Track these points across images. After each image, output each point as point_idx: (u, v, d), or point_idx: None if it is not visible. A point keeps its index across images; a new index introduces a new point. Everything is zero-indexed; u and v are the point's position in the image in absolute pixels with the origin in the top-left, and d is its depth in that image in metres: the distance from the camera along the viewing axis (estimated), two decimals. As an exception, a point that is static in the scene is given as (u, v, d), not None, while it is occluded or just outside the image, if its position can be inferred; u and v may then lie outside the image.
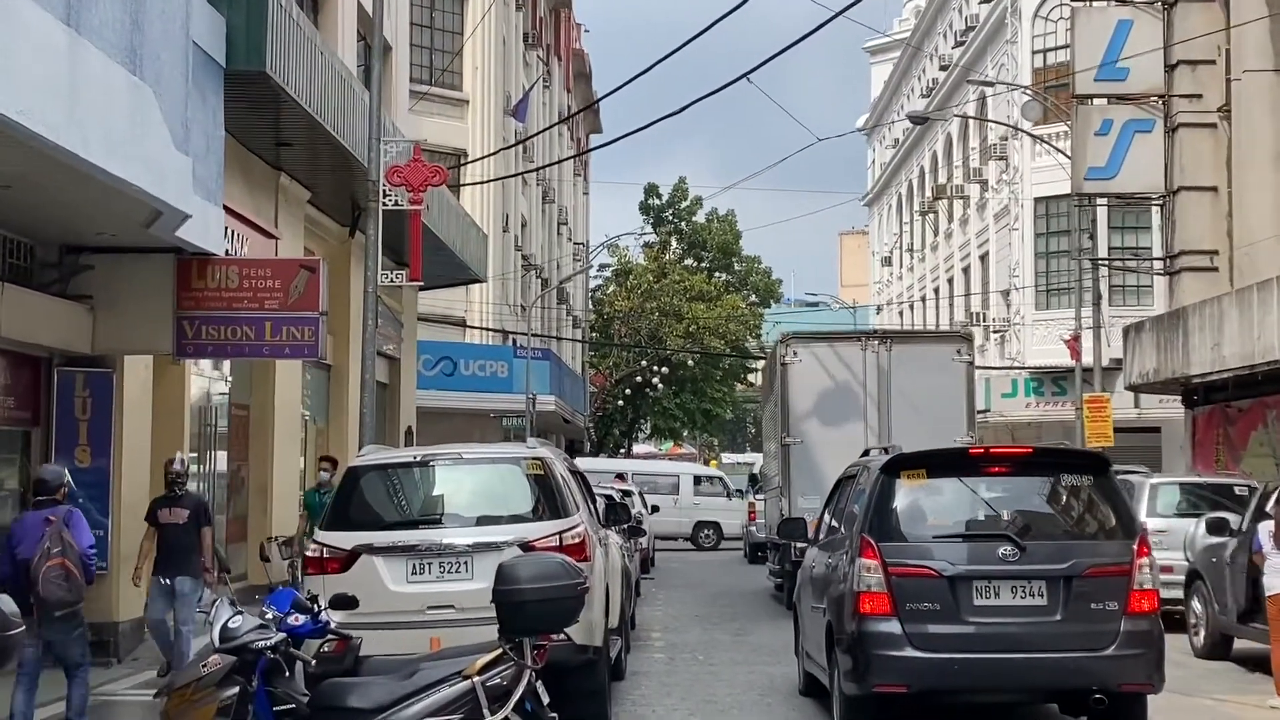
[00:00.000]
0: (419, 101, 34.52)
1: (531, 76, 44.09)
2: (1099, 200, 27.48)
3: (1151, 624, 8.86)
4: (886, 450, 10.14)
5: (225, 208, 14.96)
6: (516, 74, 41.71)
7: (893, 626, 8.65)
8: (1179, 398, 28.66)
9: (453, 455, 9.91)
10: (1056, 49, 35.64)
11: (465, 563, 9.07)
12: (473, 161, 28.04)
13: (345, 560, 9.14)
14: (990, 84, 33.68)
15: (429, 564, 9.09)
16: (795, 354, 18.07)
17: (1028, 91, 31.82)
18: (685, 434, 72.95)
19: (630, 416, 54.81)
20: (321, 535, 9.35)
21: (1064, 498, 9.43)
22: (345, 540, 9.23)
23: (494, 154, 27.66)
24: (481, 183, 29.63)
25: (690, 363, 50.35)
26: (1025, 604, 8.71)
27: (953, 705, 9.37)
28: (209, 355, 12.90)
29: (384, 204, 13.72)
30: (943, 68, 48.63)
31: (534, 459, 9.50)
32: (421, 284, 14.44)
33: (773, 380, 19.54)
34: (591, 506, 10.84)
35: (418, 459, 9.96)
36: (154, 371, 13.28)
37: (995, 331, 41.44)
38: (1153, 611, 8.87)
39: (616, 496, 18.93)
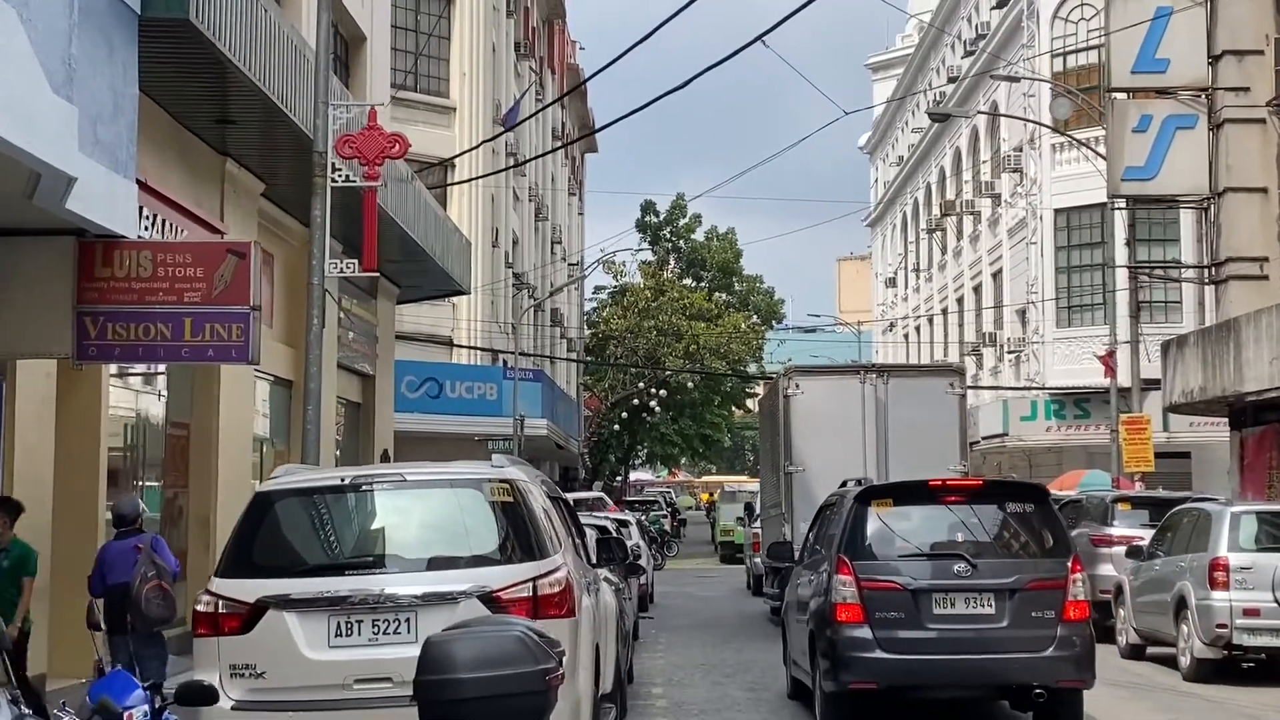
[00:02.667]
0: (403, 108, 32.73)
1: (523, 87, 42.12)
2: (1118, 206, 25.33)
3: (1084, 629, 10.36)
4: (860, 482, 11.77)
5: (156, 193, 12.85)
6: (507, 83, 39.75)
7: (864, 633, 10.10)
8: (1220, 420, 26.58)
9: (393, 477, 7.61)
10: (1078, 51, 33.65)
11: (408, 620, 6.90)
12: (460, 155, 25.87)
13: (246, 617, 6.98)
14: (1014, 79, 31.60)
15: (359, 622, 6.92)
16: (797, 386, 18.82)
17: (1055, 87, 29.74)
18: (683, 461, 70.78)
19: (627, 442, 52.45)
20: (217, 584, 7.20)
21: (1010, 522, 10.94)
22: (247, 591, 7.04)
23: (475, 148, 25.57)
24: (468, 180, 27.61)
25: (690, 385, 48.07)
26: (976, 613, 10.20)
27: (915, 701, 10.84)
28: (116, 359, 10.72)
29: (333, 180, 11.54)
30: (951, 79, 46.70)
31: (501, 482, 7.29)
32: (376, 272, 12.19)
33: (774, 411, 20.23)
34: (579, 542, 8.68)
35: (346, 481, 7.49)
36: (58, 381, 11.13)
37: (1011, 352, 39.34)
38: (1084, 619, 10.36)
39: (611, 527, 16.80)
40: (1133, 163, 22.89)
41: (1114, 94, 23.32)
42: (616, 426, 49.66)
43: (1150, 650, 15.80)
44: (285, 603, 6.94)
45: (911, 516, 10.89)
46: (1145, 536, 16.85)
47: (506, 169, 28.38)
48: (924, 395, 18.65)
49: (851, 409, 18.31)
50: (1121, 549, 17.10)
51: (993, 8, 41.72)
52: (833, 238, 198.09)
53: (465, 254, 24.38)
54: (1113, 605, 16.49)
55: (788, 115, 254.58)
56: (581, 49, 60.54)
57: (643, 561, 21.21)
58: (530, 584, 6.96)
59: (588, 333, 52.32)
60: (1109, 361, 25.70)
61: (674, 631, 19.53)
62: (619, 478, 55.28)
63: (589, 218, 65.54)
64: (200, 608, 7.10)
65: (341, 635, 6.91)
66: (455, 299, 34.27)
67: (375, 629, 6.89)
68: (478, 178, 27.86)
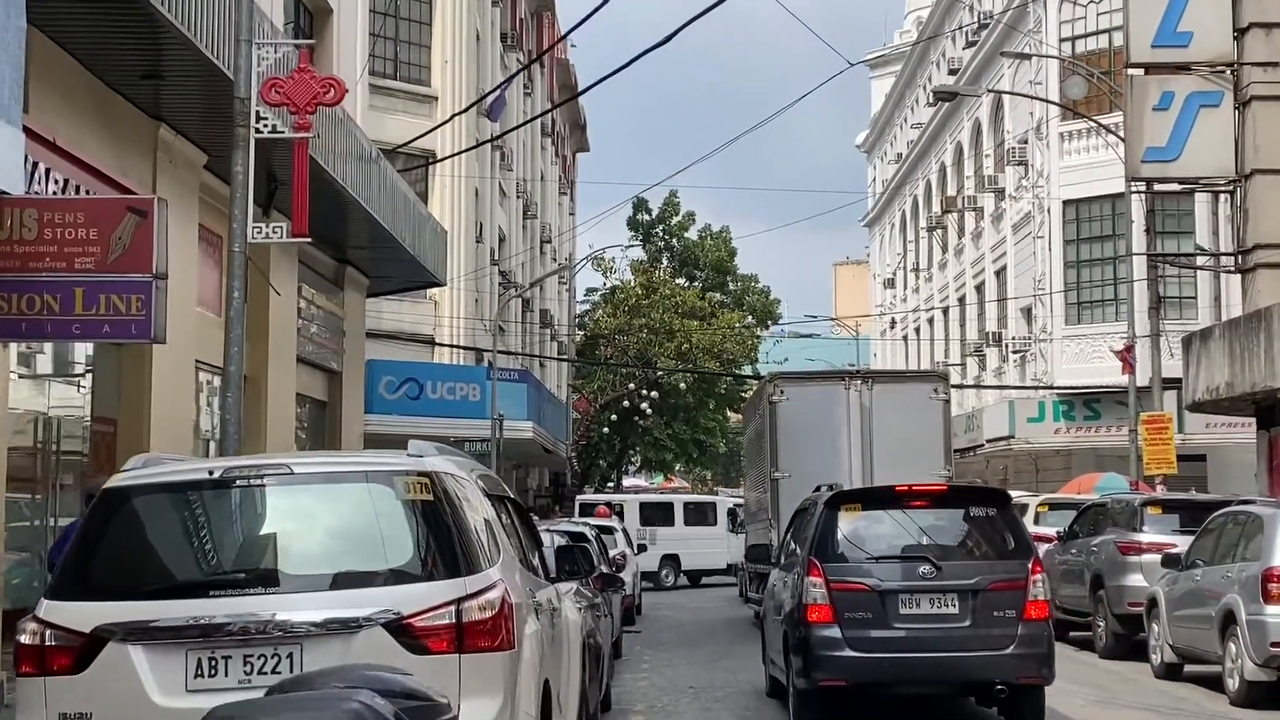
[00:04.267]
0: (382, 95, 31.26)
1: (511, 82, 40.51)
2: (1137, 190, 23.76)
3: (1044, 628, 10.68)
4: (831, 488, 11.83)
5: (67, 154, 11.35)
6: (493, 73, 38.22)
7: (834, 632, 10.46)
8: (1239, 421, 25.10)
9: (277, 469, 5.86)
10: (1087, 35, 32.16)
11: (290, 656, 5.31)
12: (437, 125, 24.30)
13: (80, 652, 5.39)
14: (1025, 55, 30.04)
15: (226, 659, 5.34)
16: (783, 393, 18.98)
17: (1068, 64, 28.20)
18: (678, 467, 69.09)
19: (618, 446, 50.69)
20: (46, 608, 5.57)
21: (973, 526, 11.26)
22: (83, 617, 5.44)
23: (452, 118, 24.01)
24: (449, 157, 26.17)
25: (683, 386, 46.30)
26: (941, 612, 10.55)
27: (884, 697, 11.24)
28: (-6, 336, 9.15)
29: (258, 130, 9.96)
30: (951, 72, 45.22)
31: (418, 476, 5.67)
32: (307, 237, 10.57)
33: (760, 417, 20.33)
34: (530, 552, 7.11)
35: (215, 475, 5.82)
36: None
37: (1016, 351, 37.82)
38: (1044, 618, 10.68)
39: (590, 534, 15.29)
40: (1153, 143, 21.35)
41: (1133, 70, 21.78)
42: (606, 430, 47.87)
43: (1188, 669, 14.26)
44: (131, 633, 5.34)
45: (880, 520, 11.24)
46: (1178, 543, 15.32)
47: (486, 142, 26.78)
48: (908, 401, 18.85)
49: (837, 415, 18.52)
50: (1153, 557, 15.55)
51: (996, -6, 40.28)
52: (829, 244, 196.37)
53: (440, 242, 22.82)
54: (1145, 619, 14.92)
55: (785, 123, 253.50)
56: (573, 46, 59.07)
57: (626, 572, 19.69)
58: (453, 608, 5.36)
59: (579, 335, 50.69)
60: (1128, 357, 24.14)
61: (661, 648, 17.96)
62: (610, 483, 53.57)
63: (581, 220, 64.00)
64: (24, 639, 5.48)
65: (203, 675, 5.30)
66: (438, 297, 32.82)
67: (248, 667, 5.29)
68: (457, 153, 26.35)
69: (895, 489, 11.62)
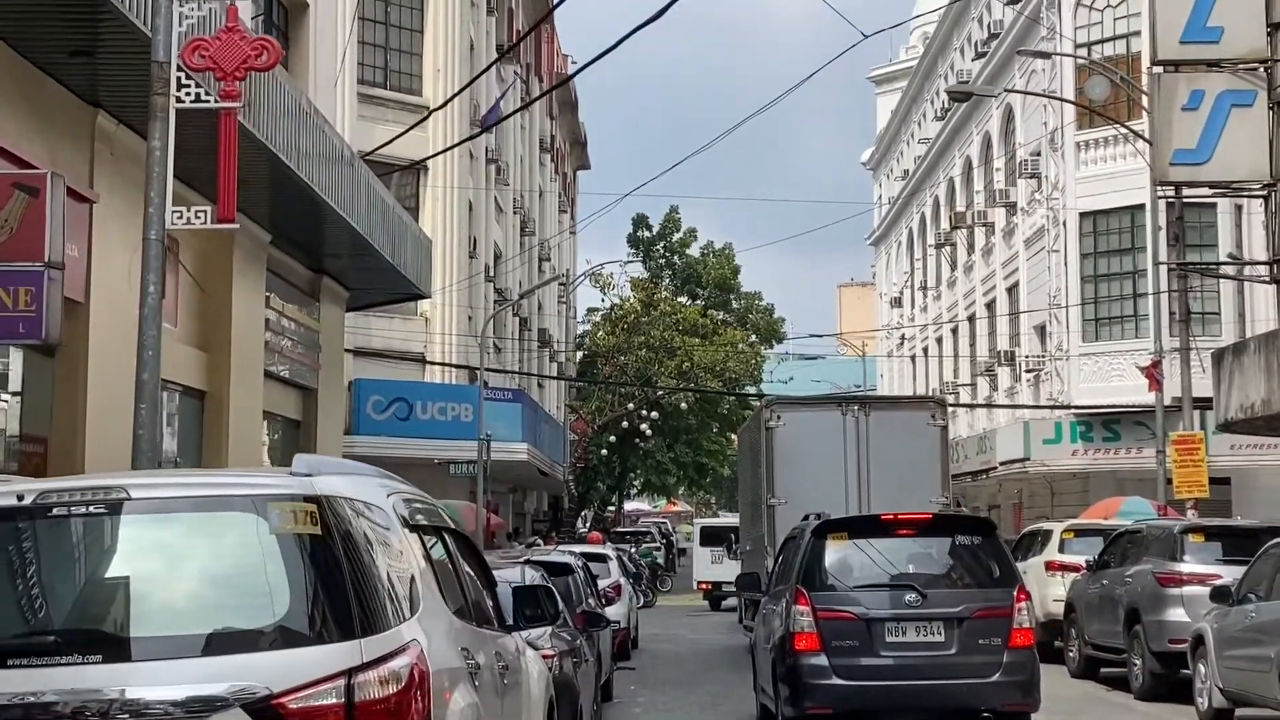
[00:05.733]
0: (372, 105, 30.13)
1: (507, 93, 39.31)
2: (1165, 195, 22.43)
3: (1029, 655, 10.75)
4: (818, 516, 11.82)
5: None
6: (488, 85, 37.01)
7: (821, 660, 10.54)
8: (1267, 442, 23.78)
9: (109, 493, 4.40)
10: (1104, 41, 30.88)
11: None
12: (412, 126, 22.99)
13: None
14: (1044, 55, 28.70)
15: None
16: (779, 418, 18.87)
17: (1089, 65, 26.87)
18: (680, 490, 67.66)
19: (618, 469, 49.16)
20: None
21: (959, 554, 11.44)
22: None
23: (427, 115, 22.72)
24: (441, 153, 24.93)
25: (684, 407, 44.81)
26: (927, 640, 10.63)
27: None
28: None
29: (178, 99, 8.60)
30: (961, 83, 43.95)
31: (303, 503, 4.29)
32: (233, 223, 9.17)
33: (755, 442, 20.18)
34: (479, 596, 5.71)
35: (27, 501, 4.36)
36: None
37: (1029, 371, 36.42)
38: (1029, 645, 10.75)
39: (577, 565, 13.90)
40: (1182, 144, 20.00)
41: (1159, 68, 20.46)
42: (605, 451, 46.41)
43: (1240, 713, 12.87)
44: None
45: (866, 549, 11.27)
46: (1223, 574, 13.96)
47: (471, 137, 25.43)
48: (905, 427, 18.77)
49: (833, 441, 18.32)
50: (1195, 589, 14.19)
51: (1006, 3, 39.05)
52: (833, 266, 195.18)
53: (424, 252, 21.51)
54: (1190, 659, 13.51)
55: (790, 142, 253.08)
56: (573, 63, 58.00)
57: (620, 604, 18.32)
58: (343, 681, 3.98)
59: (578, 355, 49.32)
60: (1155, 373, 22.74)
61: (657, 687, 16.53)
62: (611, 507, 52.18)
63: (582, 240, 62.73)
64: None
65: None
66: (429, 313, 31.58)
67: None
68: (439, 152, 25.11)
69: (881, 518, 11.84)
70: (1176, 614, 14.46)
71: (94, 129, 12.08)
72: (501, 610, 6.08)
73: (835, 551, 11.16)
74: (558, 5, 32.93)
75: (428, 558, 4.92)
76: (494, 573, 8.26)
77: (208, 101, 8.61)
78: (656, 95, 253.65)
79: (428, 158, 23.39)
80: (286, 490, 4.34)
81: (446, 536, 5.49)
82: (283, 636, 4.13)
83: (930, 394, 47.91)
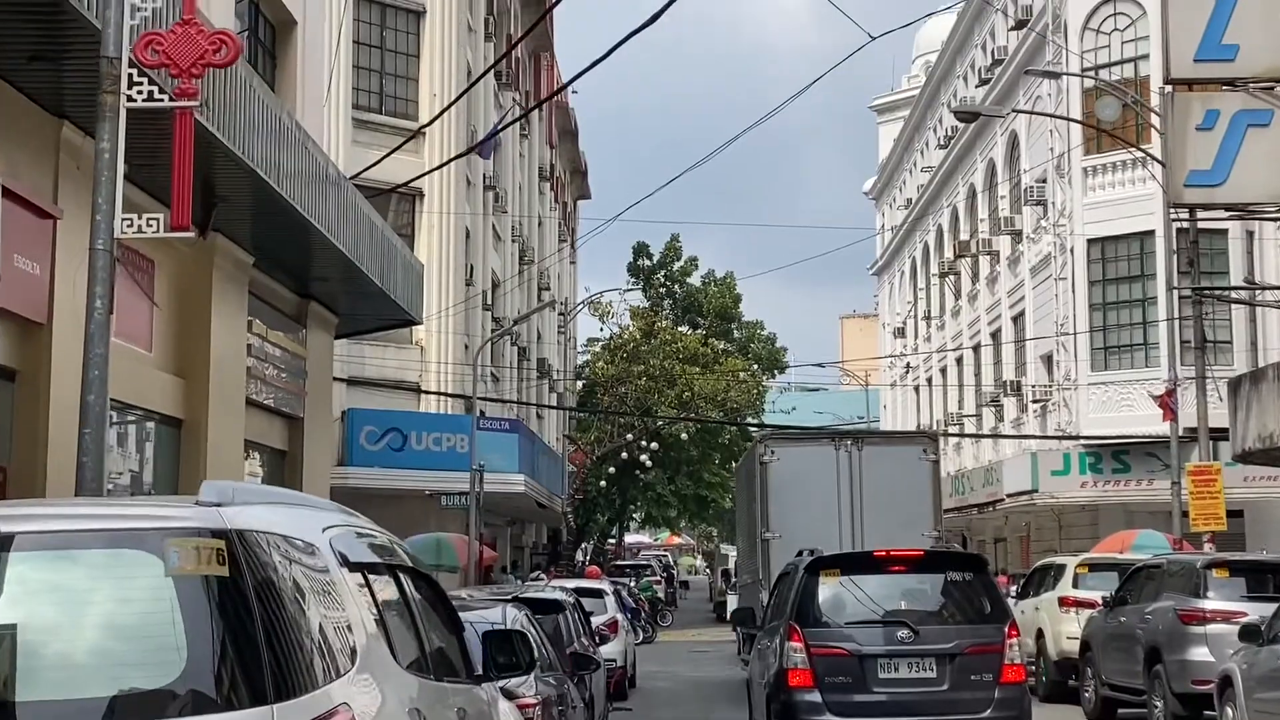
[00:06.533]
0: (366, 130, 29.66)
1: (506, 119, 38.80)
2: (1179, 218, 21.81)
3: (1020, 691, 11.12)
4: (811, 553, 11.82)
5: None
6: (486, 112, 36.54)
7: (814, 696, 10.71)
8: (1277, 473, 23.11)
9: None
10: (1110, 65, 30.32)
11: None
12: (400, 144, 22.40)
13: None
14: (1054, 74, 28.12)
15: None
16: (773, 453, 19.19)
17: (1100, 84, 26.30)
18: (682, 523, 66.83)
19: (618, 501, 48.34)
20: None
21: (950, 590, 11.55)
22: None
23: (417, 133, 22.12)
24: (433, 170, 24.38)
25: (684, 437, 44.01)
26: (919, 676, 10.87)
27: None
28: None
29: (129, 97, 7.93)
30: (960, 119, 43.37)
31: (210, 539, 3.58)
32: (189, 231, 8.51)
33: (750, 477, 20.43)
34: (440, 644, 4.98)
35: None
36: None
37: (1036, 401, 35.74)
38: (1020, 681, 11.10)
39: (569, 600, 13.19)
40: (1197, 165, 19.40)
41: (1172, 87, 19.87)
42: (604, 483, 45.64)
43: (1270, 762, 12.14)
44: None
45: (859, 585, 11.34)
46: (1249, 611, 13.24)
47: (465, 153, 24.80)
48: (897, 462, 19.14)
49: (826, 476, 18.63)
50: (1220, 627, 13.48)
51: (1011, 29, 38.57)
52: (835, 299, 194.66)
53: (415, 276, 20.87)
54: (1216, 701, 12.78)
55: (792, 175, 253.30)
56: (574, 93, 57.60)
57: (617, 641, 17.61)
58: None
59: (578, 385, 48.60)
60: (1169, 402, 22.03)
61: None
62: (611, 540, 51.35)
63: (583, 271, 62.01)
64: None
65: None
66: (424, 342, 30.98)
67: None
68: (434, 168, 24.57)
69: (874, 554, 11.97)
70: (1200, 653, 13.74)
71: (59, 141, 11.46)
72: (470, 658, 5.38)
73: (828, 588, 11.27)
74: (543, 17, 32.35)
75: (375, 603, 4.18)
76: (476, 612, 7.59)
77: (162, 100, 7.96)
78: (658, 127, 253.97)
79: (419, 176, 22.82)
80: (187, 524, 3.61)
81: (403, 577, 4.76)
82: (175, 703, 3.39)
83: (925, 428, 47.84)
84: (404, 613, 4.54)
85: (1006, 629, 10.98)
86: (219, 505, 3.61)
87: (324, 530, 4.04)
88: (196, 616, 3.40)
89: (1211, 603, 14.06)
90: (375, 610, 4.12)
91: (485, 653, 5.65)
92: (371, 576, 4.25)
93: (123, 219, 7.72)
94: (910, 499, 18.67)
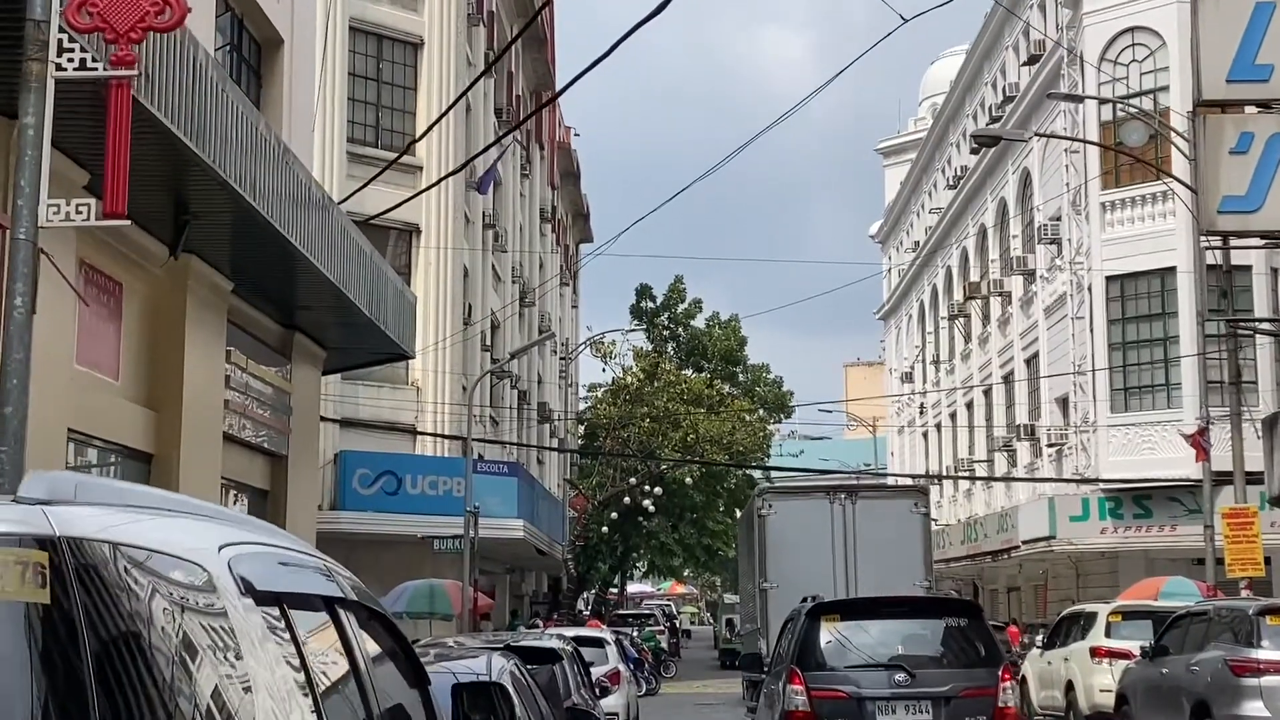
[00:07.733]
0: (361, 165, 28.75)
1: (505, 157, 37.94)
2: (1211, 245, 20.80)
3: None
4: (814, 599, 12.46)
5: None
6: (486, 146, 35.63)
7: None
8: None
9: None
10: (1130, 97, 29.45)
11: None
12: (383, 168, 21.43)
13: None
14: (1076, 98, 27.20)
15: None
16: (771, 506, 20.07)
17: (1125, 108, 25.38)
18: (686, 572, 65.52)
19: (620, 549, 47.05)
20: None
21: (946, 635, 12.04)
22: None
23: (396, 158, 21.18)
24: (423, 191, 23.50)
25: (689, 481, 42.79)
26: (916, 718, 11.09)
27: None
28: None
29: (58, 66, 6.90)
30: (973, 151, 42.61)
31: (28, 548, 2.17)
32: (124, 219, 7.46)
33: (750, 529, 21.22)
34: (390, 700, 3.80)
35: None
36: None
37: (1051, 445, 34.64)
38: None
39: (566, 650, 12.09)
40: (1231, 191, 18.47)
41: (1204, 109, 18.93)
42: (605, 529, 44.39)
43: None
44: None
45: (858, 630, 11.73)
46: (1309, 663, 12.15)
47: (459, 169, 23.76)
48: (890, 515, 19.89)
49: (822, 527, 19.36)
50: (1276, 680, 12.39)
51: (1023, 64, 37.78)
52: (839, 347, 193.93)
53: (407, 307, 19.87)
54: (1274, 761, 11.67)
55: (798, 219, 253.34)
56: (576, 135, 56.91)
57: (619, 694, 16.48)
58: None
59: (580, 429, 47.47)
60: (1201, 441, 20.92)
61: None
62: (613, 589, 50.03)
63: (585, 314, 61.04)
64: None
65: None
66: (420, 382, 29.98)
67: None
68: (425, 189, 23.65)
69: (873, 600, 12.81)
70: (1254, 707, 12.62)
71: (9, 145, 10.47)
72: (437, 716, 4.29)
73: (829, 632, 11.62)
74: (530, 25, 31.51)
75: (298, 650, 3.00)
76: (455, 661, 6.49)
77: (96, 69, 6.96)
78: (662, 172, 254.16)
79: (410, 198, 21.83)
80: (23, 531, 2.28)
81: (344, 615, 3.59)
82: None
83: (934, 474, 47.03)
84: (342, 663, 3.37)
85: (1000, 672, 11.31)
86: (46, 504, 2.40)
87: (221, 548, 2.84)
88: (27, 663, 2.16)
89: (1266, 653, 12.94)
90: (297, 660, 2.95)
91: (454, 709, 4.58)
92: (295, 613, 3.05)
93: (48, 205, 6.69)
94: (902, 550, 19.33)
